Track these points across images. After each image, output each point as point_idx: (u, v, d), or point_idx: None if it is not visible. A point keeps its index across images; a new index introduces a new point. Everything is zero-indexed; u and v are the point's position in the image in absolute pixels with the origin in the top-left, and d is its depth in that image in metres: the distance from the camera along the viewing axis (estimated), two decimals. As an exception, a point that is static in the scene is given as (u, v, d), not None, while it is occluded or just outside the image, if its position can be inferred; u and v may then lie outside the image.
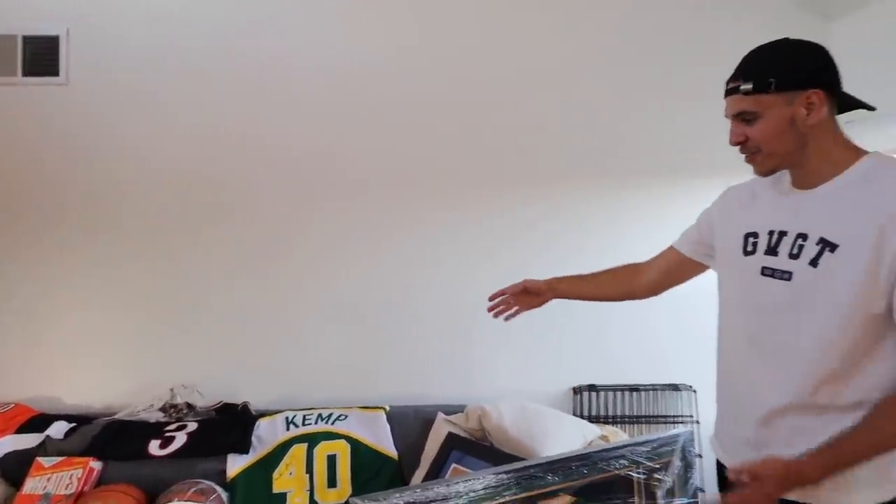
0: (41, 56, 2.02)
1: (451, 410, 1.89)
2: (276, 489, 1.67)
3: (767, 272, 0.97)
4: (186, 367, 2.02)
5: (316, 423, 1.82)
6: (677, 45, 2.12)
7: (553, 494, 1.27)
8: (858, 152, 0.94)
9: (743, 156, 1.01)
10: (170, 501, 1.51)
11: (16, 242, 1.98)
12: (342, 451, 1.74)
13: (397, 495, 1.14)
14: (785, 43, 0.96)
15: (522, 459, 1.48)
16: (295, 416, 1.85)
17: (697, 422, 2.09)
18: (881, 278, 0.85)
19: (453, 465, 1.63)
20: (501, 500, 1.24)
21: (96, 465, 1.64)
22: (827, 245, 0.90)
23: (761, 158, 0.98)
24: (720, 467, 1.12)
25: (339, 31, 2.03)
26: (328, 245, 2.05)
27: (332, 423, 1.81)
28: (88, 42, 2.00)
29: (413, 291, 2.09)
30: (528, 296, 1.33)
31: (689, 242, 1.22)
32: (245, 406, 1.90)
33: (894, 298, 0.85)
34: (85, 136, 2.00)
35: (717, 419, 1.14)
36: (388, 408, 1.90)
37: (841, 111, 0.96)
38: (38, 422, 1.81)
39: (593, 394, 2.14)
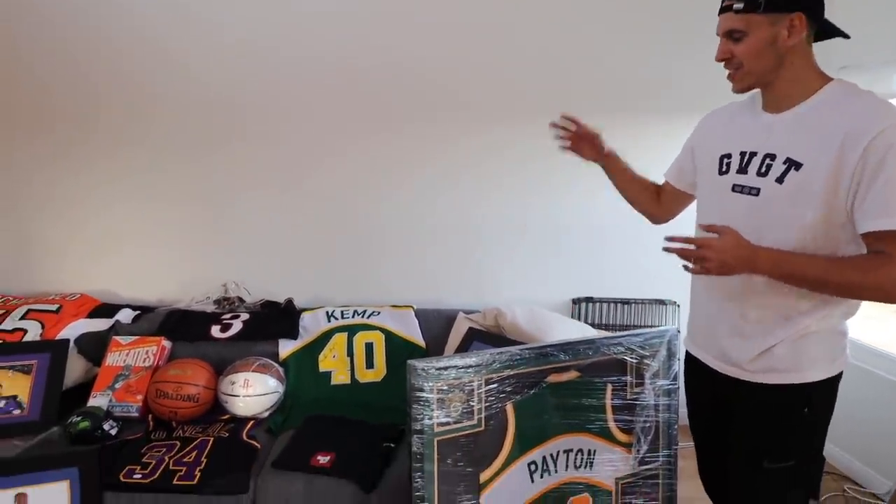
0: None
1: (467, 312, 2.16)
2: (322, 369, 1.96)
3: (737, 189, 1.07)
4: (232, 267, 2.24)
5: (353, 316, 2.09)
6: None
7: (563, 370, 1.57)
8: (824, 79, 1.03)
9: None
10: (237, 372, 1.78)
11: (71, 146, 2.11)
12: (378, 339, 2.02)
13: (446, 360, 1.42)
14: None
15: (535, 346, 1.77)
16: (334, 311, 2.11)
17: (679, 331, 2.40)
18: (841, 191, 0.96)
19: (472, 352, 1.92)
20: (521, 370, 1.53)
21: (167, 343, 1.90)
22: (792, 164, 0.99)
23: (741, 75, 1.06)
24: (690, 360, 1.30)
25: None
26: (362, 164, 2.23)
27: (368, 317, 2.08)
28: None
29: (434, 210, 2.30)
30: (585, 141, 1.37)
31: (674, 176, 1.33)
32: (290, 301, 2.15)
33: (854, 208, 0.97)
34: (131, 44, 2.07)
35: (691, 324, 1.29)
36: (415, 307, 2.17)
37: (818, 38, 1.05)
38: (104, 310, 2.05)
39: (590, 305, 2.43)
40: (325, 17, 2.09)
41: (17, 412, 1.69)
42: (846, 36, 1.05)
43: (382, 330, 2.04)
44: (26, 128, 2.09)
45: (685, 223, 1.30)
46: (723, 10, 1.05)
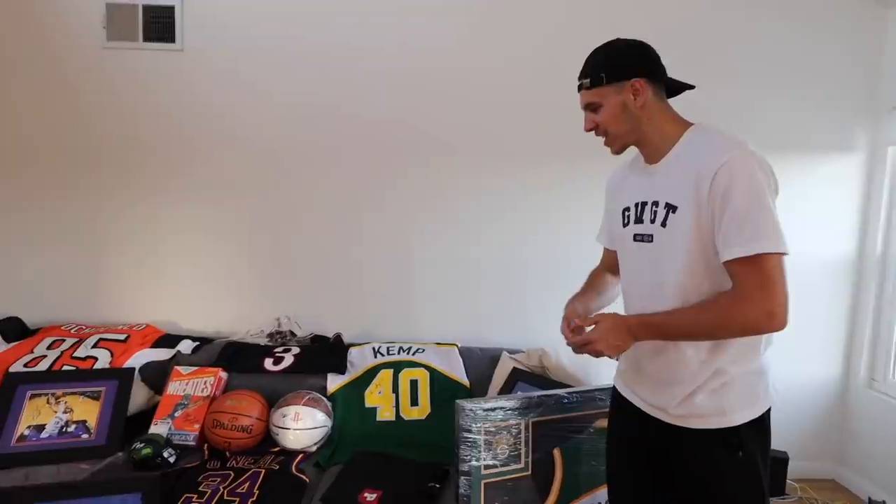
0: (159, 24, 2.28)
1: (511, 352, 2.17)
2: (368, 404, 2.00)
3: (638, 238, 1.16)
4: (285, 302, 2.34)
5: (398, 353, 2.13)
6: (735, 31, 2.28)
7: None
8: (684, 126, 1.12)
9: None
10: (288, 405, 1.84)
11: (142, 189, 2.29)
12: (422, 377, 2.05)
13: (494, 401, 1.44)
14: (612, 43, 1.15)
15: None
16: (380, 347, 2.16)
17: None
18: (705, 227, 1.03)
19: (518, 393, 1.92)
20: (569, 414, 1.53)
21: (224, 374, 1.99)
22: (670, 208, 1.08)
23: (610, 140, 1.17)
24: (617, 397, 1.30)
25: (416, 19, 2.26)
26: (407, 204, 2.32)
27: (413, 355, 2.12)
28: (200, 12, 2.25)
29: (479, 248, 2.35)
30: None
31: (605, 236, 1.38)
32: (339, 336, 2.22)
33: (716, 241, 1.02)
34: (197, 95, 2.27)
35: (620, 364, 1.31)
36: (459, 345, 2.20)
37: (671, 94, 1.16)
38: (167, 340, 2.16)
39: (635, 346, 2.39)
40: (367, 76, 2.27)
41: (84, 436, 1.79)
42: (692, 87, 1.15)
43: (427, 367, 2.08)
44: (105, 172, 2.28)
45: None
46: (579, 88, 1.17)
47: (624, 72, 1.11)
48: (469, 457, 1.38)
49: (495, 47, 2.28)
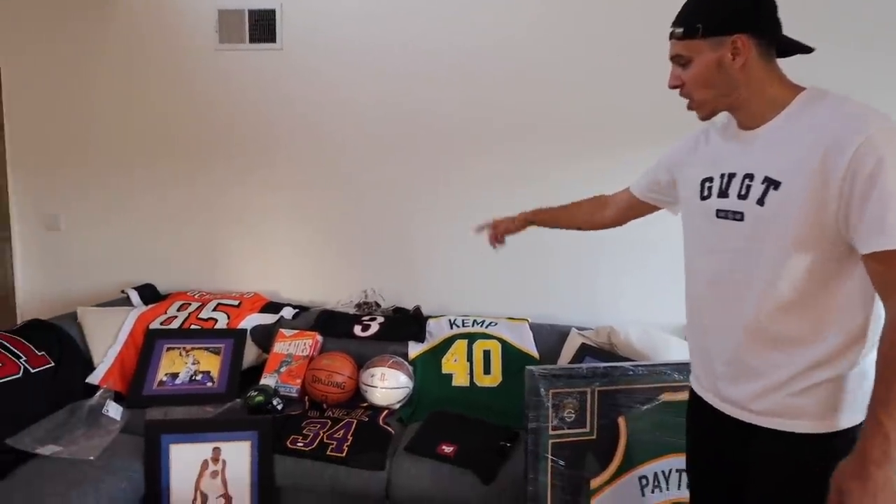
0: (262, 26, 2.54)
1: (580, 329, 2.26)
2: (445, 370, 2.18)
3: (721, 214, 1.00)
4: (368, 278, 2.58)
5: (472, 325, 2.30)
6: None
7: (677, 390, 1.62)
8: (796, 89, 0.94)
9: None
10: (375, 366, 2.07)
11: (249, 176, 2.60)
12: (495, 348, 2.21)
13: (562, 368, 1.56)
14: None
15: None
16: (456, 319, 2.34)
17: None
18: (829, 211, 0.86)
19: (585, 362, 2.02)
20: (635, 385, 1.61)
21: (320, 338, 2.25)
22: (771, 183, 0.91)
23: (696, 105, 1.01)
24: (695, 399, 1.16)
25: (487, 16, 2.35)
26: (485, 184, 2.45)
27: (486, 327, 2.28)
28: (298, 14, 2.49)
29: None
30: (501, 228, 1.58)
31: (644, 187, 1.29)
32: (418, 308, 2.42)
33: (850, 229, 0.84)
34: (295, 90, 2.52)
35: (690, 356, 1.17)
36: (529, 320, 2.33)
37: (781, 54, 0.96)
38: (271, 307, 2.47)
39: (709, 329, 2.39)
40: (444, 75, 2.39)
41: (209, 384, 2.13)
42: (808, 50, 0.96)
43: (499, 340, 2.23)
44: (220, 161, 2.61)
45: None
46: (670, 36, 1.00)
47: (726, 25, 0.92)
48: (537, 417, 1.52)
49: (562, 31, 2.33)
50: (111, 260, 2.75)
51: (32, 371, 1.89)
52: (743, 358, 1.00)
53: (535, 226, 1.57)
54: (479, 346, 2.21)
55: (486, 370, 2.17)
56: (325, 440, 1.79)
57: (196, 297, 2.47)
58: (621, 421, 1.59)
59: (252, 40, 2.56)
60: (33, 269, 2.81)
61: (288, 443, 1.78)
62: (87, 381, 2.05)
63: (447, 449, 1.75)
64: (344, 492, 1.74)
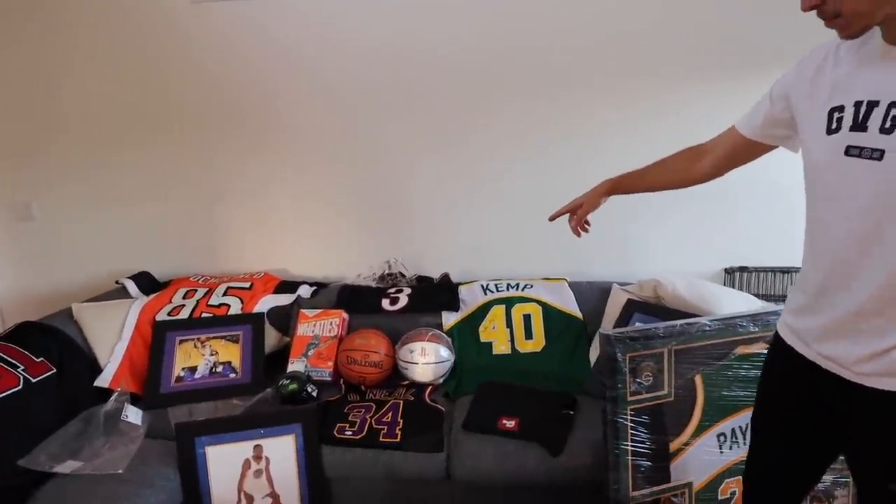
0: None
1: (621, 284, 2.15)
2: (483, 339, 2.06)
3: (854, 152, 0.84)
4: (385, 247, 2.39)
5: (507, 289, 2.16)
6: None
7: (751, 341, 1.53)
8: None
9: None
10: (413, 342, 1.93)
11: (245, 145, 2.34)
12: (535, 311, 2.08)
13: (638, 329, 1.45)
14: None
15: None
16: (488, 284, 2.19)
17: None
18: None
19: (637, 324, 1.92)
20: (710, 341, 1.51)
21: (346, 315, 2.09)
22: None
23: (844, 22, 0.82)
24: (784, 350, 1.06)
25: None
26: (507, 137, 2.26)
27: (523, 290, 2.15)
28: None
29: (583, 179, 2.27)
30: (585, 211, 1.39)
31: (754, 123, 1.10)
32: (446, 275, 2.27)
33: None
34: (289, 39, 2.22)
35: (796, 306, 1.05)
36: (568, 279, 2.20)
37: None
38: (286, 286, 2.28)
39: (745, 274, 2.32)
40: (469, 16, 2.14)
41: (232, 375, 1.95)
42: None
43: (539, 302, 2.10)
44: (211, 129, 2.34)
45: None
46: None
47: None
48: (615, 383, 1.41)
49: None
50: (96, 248, 2.48)
51: (33, 380, 1.68)
52: (870, 318, 0.89)
53: (619, 194, 1.39)
54: (518, 311, 2.09)
55: (528, 335, 2.05)
56: (374, 426, 1.66)
57: (201, 282, 2.25)
58: (697, 379, 1.50)
59: (231, -11, 2.25)
60: (8, 265, 2.52)
61: (335, 432, 1.65)
62: (95, 384, 1.85)
63: (508, 423, 1.64)
64: (399, 477, 1.63)
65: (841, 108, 0.88)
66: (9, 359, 1.67)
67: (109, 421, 1.68)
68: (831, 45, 0.94)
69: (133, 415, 1.70)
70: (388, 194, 2.36)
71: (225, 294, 2.16)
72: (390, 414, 1.71)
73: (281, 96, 2.29)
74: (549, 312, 2.08)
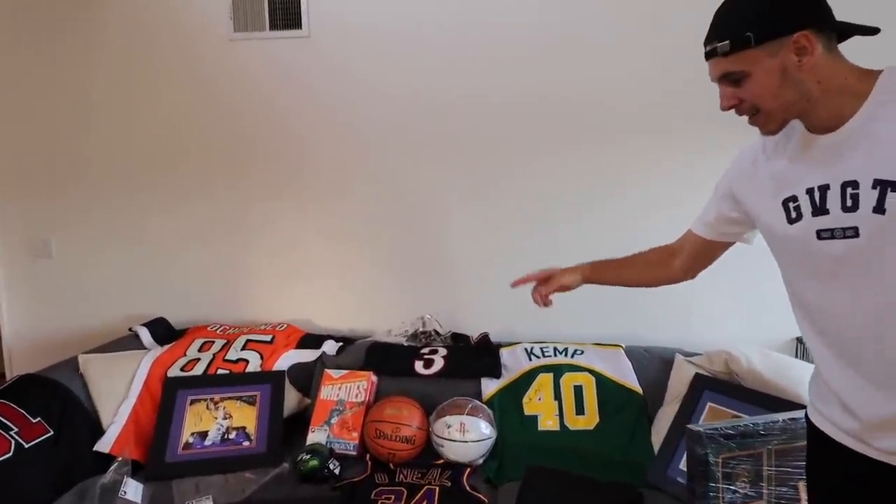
0: (285, 10, 2.17)
1: (686, 355, 1.90)
2: (528, 412, 1.82)
3: (825, 235, 0.85)
4: (418, 300, 2.20)
5: (555, 355, 1.93)
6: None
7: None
8: (871, 74, 0.82)
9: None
10: (450, 415, 1.70)
11: (266, 187, 2.22)
12: (587, 382, 1.84)
13: (731, 424, 1.21)
14: None
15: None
16: (533, 348, 1.97)
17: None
18: None
19: (709, 404, 1.67)
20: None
21: (374, 378, 1.88)
22: (887, 185, 0.77)
23: (763, 119, 0.88)
24: (822, 439, 0.96)
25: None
26: (551, 188, 2.09)
27: (572, 357, 1.92)
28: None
29: (645, 234, 2.09)
30: (553, 284, 1.32)
31: (707, 224, 1.13)
32: (486, 336, 2.05)
33: None
34: (324, 84, 2.15)
35: (816, 394, 0.99)
36: (624, 346, 1.97)
37: (840, 39, 0.85)
38: (309, 340, 2.08)
39: (820, 345, 2.05)
40: (500, 67, 2.04)
41: (246, 444, 1.75)
42: (873, 31, 0.83)
43: (591, 371, 1.87)
44: (245, 174, 2.22)
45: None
46: (708, 56, 0.87)
47: (782, 24, 0.80)
48: (706, 491, 1.16)
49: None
50: (113, 291, 2.34)
51: (27, 445, 1.49)
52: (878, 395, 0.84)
53: (593, 283, 1.32)
54: (568, 381, 1.85)
55: (580, 410, 1.81)
56: (406, 517, 1.42)
57: (219, 332, 2.08)
58: (801, 486, 1.24)
59: (273, 27, 2.18)
60: (21, 304, 2.39)
61: (362, 524, 1.41)
62: (95, 448, 1.66)
63: (565, 524, 1.39)
64: (434, 582, 1.37)
65: (794, 199, 0.89)
66: (3, 419, 1.49)
67: (106, 496, 1.47)
68: (758, 143, 0.98)
69: (133, 491, 1.49)
70: (424, 245, 2.20)
71: (244, 348, 1.98)
72: (425, 503, 1.47)
73: (313, 142, 2.19)
74: (604, 384, 1.84)
